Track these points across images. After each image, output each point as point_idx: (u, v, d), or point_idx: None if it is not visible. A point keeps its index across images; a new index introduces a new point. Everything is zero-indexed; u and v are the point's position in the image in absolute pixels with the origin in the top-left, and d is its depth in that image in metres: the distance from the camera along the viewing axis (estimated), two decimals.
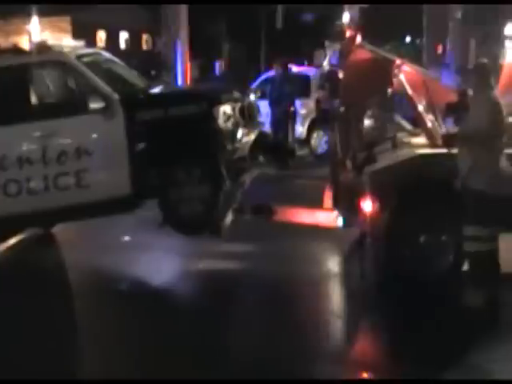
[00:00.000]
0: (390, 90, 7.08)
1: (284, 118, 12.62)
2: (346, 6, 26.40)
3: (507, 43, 20.20)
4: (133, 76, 7.73)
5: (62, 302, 5.75)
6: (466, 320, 5.05)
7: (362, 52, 7.29)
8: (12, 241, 7.50)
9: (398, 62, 6.97)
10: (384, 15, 27.89)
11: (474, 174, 5.32)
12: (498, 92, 5.81)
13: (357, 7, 26.28)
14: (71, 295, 6.10)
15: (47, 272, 6.51)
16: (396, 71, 6.89)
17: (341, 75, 7.78)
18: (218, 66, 14.36)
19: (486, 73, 5.60)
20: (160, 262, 6.73)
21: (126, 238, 7.50)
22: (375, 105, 7.61)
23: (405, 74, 6.83)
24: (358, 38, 7.64)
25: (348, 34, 8.01)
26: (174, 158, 6.32)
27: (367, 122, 8.03)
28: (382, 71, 6.97)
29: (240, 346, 4.75)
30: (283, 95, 12.63)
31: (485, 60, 5.85)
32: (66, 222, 7.14)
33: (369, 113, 7.72)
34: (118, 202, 6.34)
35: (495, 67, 7.30)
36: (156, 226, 6.36)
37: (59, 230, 7.69)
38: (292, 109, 12.84)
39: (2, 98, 6.67)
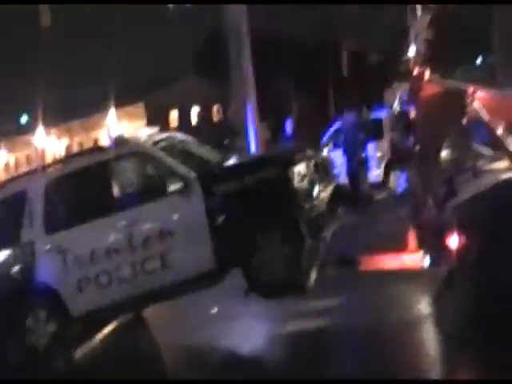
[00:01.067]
0: (464, 121, 6.95)
1: (358, 165, 12.52)
2: (412, 39, 26.17)
3: None
4: (206, 151, 7.94)
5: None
6: None
7: (432, 87, 7.24)
8: (108, 328, 7.66)
9: (469, 90, 6.85)
10: (451, 40, 27.41)
11: None
12: None
13: (422, 39, 25.98)
14: (166, 373, 6.16)
15: (144, 355, 6.63)
16: (469, 100, 6.77)
17: (412, 114, 7.72)
18: (289, 124, 14.58)
19: None
20: (250, 329, 6.68)
21: (215, 311, 7.55)
22: (451, 137, 7.47)
23: (479, 100, 6.70)
24: (427, 74, 7.58)
25: (416, 71, 7.96)
26: (254, 226, 6.38)
27: (444, 156, 7.86)
28: (455, 103, 6.91)
29: None
30: (355, 142, 12.56)
31: None
32: (156, 304, 7.29)
33: (445, 146, 7.56)
34: (203, 277, 6.44)
35: None
36: (242, 294, 6.39)
37: (150, 311, 7.82)
38: (363, 154, 12.73)
39: (88, 195, 7.07)
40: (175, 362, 6.43)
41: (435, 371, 4.93)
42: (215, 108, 31.51)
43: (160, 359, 6.65)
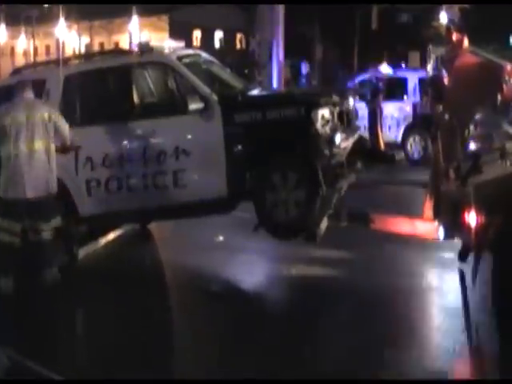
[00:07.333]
0: (499, 97, 6.72)
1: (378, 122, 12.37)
2: (444, 6, 25.63)
3: None
4: (231, 77, 7.74)
5: (157, 298, 5.81)
6: None
7: (470, 57, 6.98)
8: (111, 236, 7.70)
9: (509, 67, 6.61)
10: (485, 15, 26.77)
11: None
12: None
13: (456, 7, 25.44)
14: (166, 291, 6.16)
15: (144, 267, 6.62)
16: (507, 77, 6.54)
17: (446, 81, 7.48)
18: (311, 67, 14.21)
19: None
20: (253, 264, 6.68)
21: (221, 239, 7.51)
22: (483, 112, 7.27)
23: None
24: (465, 42, 7.32)
25: (454, 37, 7.67)
26: (271, 162, 6.26)
27: (473, 131, 7.68)
28: (492, 77, 6.66)
29: (329, 355, 4.61)
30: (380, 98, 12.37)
31: None
32: (163, 220, 7.22)
33: (475, 121, 7.38)
34: (214, 202, 6.34)
35: None
36: (251, 228, 6.30)
37: (155, 227, 7.81)
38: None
39: (106, 97, 6.89)
40: (172, 281, 6.41)
41: (432, 340, 4.90)
42: (238, 36, 30.97)
43: (158, 274, 6.62)
